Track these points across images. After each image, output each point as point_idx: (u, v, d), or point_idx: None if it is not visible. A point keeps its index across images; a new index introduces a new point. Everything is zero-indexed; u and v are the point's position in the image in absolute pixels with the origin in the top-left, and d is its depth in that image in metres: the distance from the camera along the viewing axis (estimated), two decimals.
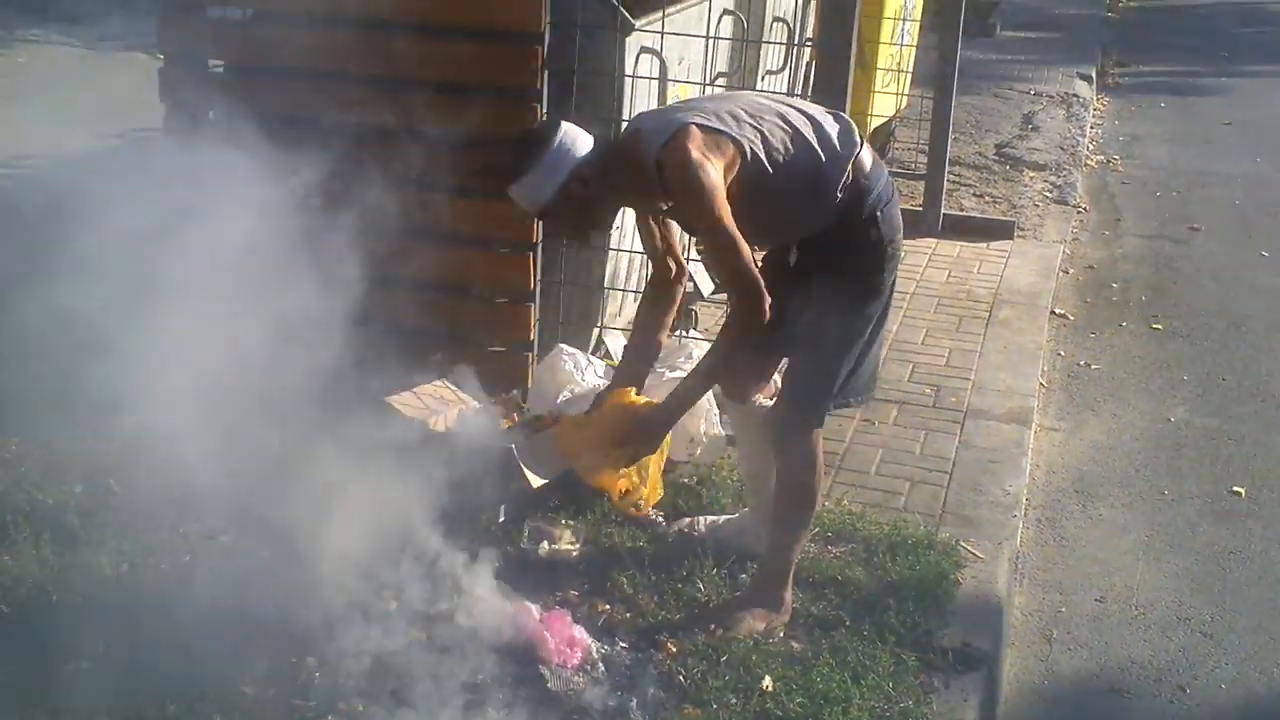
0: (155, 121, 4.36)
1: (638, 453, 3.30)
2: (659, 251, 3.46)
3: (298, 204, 3.35)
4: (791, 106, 3.20)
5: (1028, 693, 3.58)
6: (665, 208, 3.24)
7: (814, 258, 3.23)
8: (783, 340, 3.25)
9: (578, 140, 3.07)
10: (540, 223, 4.19)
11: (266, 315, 3.19)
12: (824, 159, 3.10)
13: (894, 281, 3.27)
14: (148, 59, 4.14)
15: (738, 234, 2.99)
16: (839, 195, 3.11)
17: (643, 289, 3.70)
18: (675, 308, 3.56)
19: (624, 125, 3.92)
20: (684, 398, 3.24)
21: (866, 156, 3.17)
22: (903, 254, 3.27)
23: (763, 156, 3.04)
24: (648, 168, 3.04)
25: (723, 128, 3.02)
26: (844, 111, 3.62)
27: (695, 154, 2.94)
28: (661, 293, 3.52)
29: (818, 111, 3.22)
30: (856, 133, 3.19)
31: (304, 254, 3.28)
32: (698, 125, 3.00)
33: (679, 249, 3.54)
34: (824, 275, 3.20)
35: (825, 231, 3.17)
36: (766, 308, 3.03)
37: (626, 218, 4.55)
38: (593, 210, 3.16)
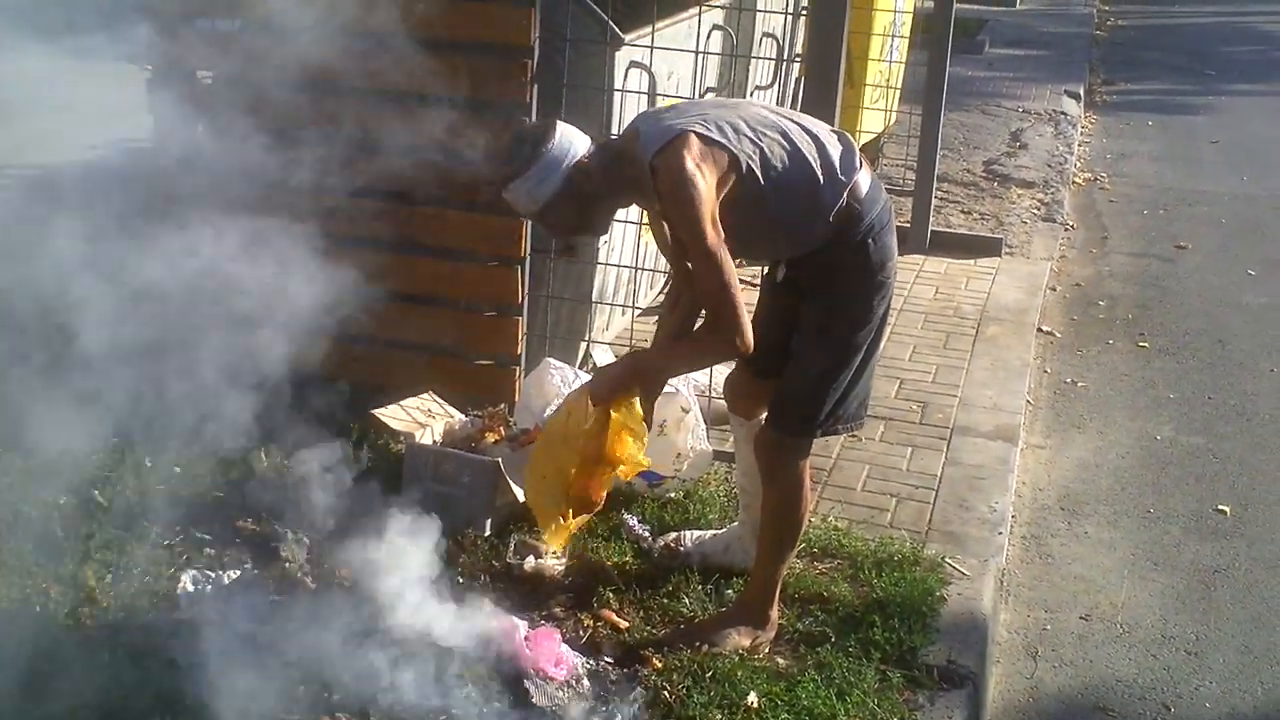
0: (141, 133, 4.35)
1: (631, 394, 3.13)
2: (680, 256, 3.33)
3: (284, 216, 3.35)
4: (796, 123, 3.14)
5: (1012, 710, 3.58)
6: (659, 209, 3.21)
7: (802, 279, 3.21)
8: (776, 361, 3.24)
9: (575, 138, 3.05)
10: (528, 236, 4.21)
11: (252, 326, 3.19)
12: (821, 181, 3.06)
13: (886, 311, 3.21)
14: (135, 70, 4.13)
15: (723, 250, 2.95)
16: (831, 218, 3.07)
17: (658, 295, 3.62)
18: (699, 312, 3.41)
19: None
20: (668, 362, 3.28)
21: (864, 180, 3.12)
22: (895, 282, 3.21)
23: (758, 172, 3.01)
24: (642, 170, 3.02)
25: (721, 139, 2.99)
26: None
27: (689, 164, 2.91)
28: (685, 297, 3.40)
29: (823, 131, 3.16)
30: (859, 156, 3.14)
31: (290, 266, 3.28)
32: (697, 134, 2.97)
33: None
34: (811, 298, 3.18)
35: (814, 253, 3.15)
36: (742, 334, 2.94)
37: (615, 232, 4.57)
38: (592, 207, 3.11)
